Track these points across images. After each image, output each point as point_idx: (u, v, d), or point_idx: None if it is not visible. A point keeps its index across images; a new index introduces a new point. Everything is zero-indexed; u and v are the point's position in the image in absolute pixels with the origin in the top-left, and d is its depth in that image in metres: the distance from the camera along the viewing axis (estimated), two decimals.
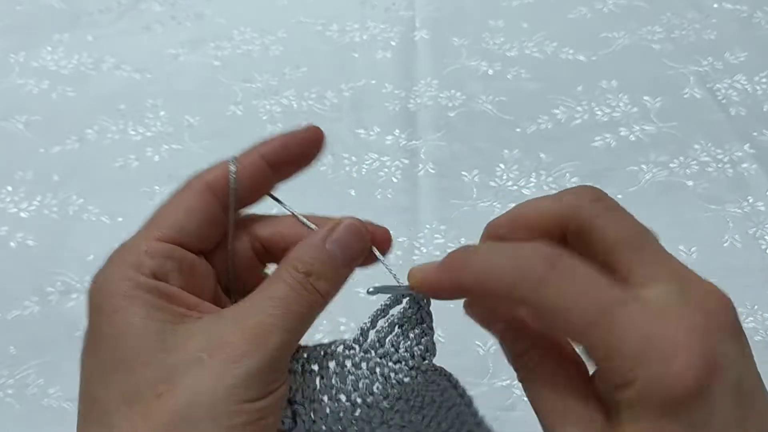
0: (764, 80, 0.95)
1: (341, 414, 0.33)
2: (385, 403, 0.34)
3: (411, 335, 0.34)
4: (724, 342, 0.27)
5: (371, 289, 0.34)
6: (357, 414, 0.34)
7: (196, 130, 0.93)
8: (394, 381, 0.33)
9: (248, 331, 0.30)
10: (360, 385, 0.34)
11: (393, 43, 1.04)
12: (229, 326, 0.31)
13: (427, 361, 0.34)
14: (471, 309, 0.34)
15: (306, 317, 0.32)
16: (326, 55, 1.03)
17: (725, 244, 0.77)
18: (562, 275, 0.27)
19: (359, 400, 0.33)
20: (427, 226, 0.79)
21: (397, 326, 0.34)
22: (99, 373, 0.31)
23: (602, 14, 1.06)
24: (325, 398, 0.34)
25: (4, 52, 1.04)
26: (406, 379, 0.34)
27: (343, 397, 0.34)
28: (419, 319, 0.34)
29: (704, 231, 0.79)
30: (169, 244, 0.33)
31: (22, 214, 0.84)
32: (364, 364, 0.34)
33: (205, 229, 0.35)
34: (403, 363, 0.34)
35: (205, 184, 0.35)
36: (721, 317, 0.28)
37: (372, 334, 0.35)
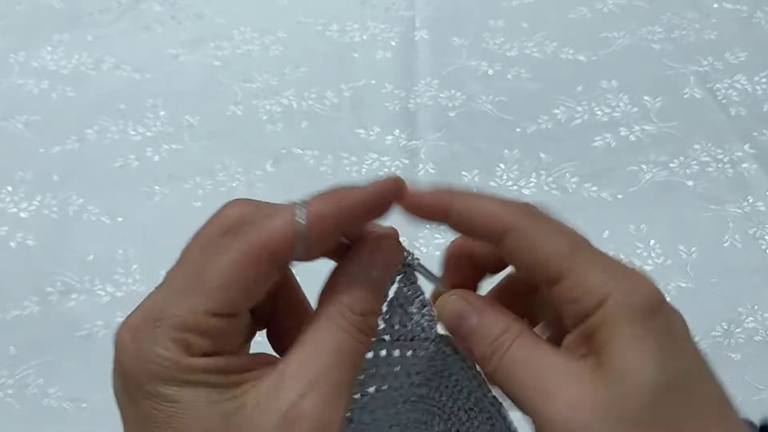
0: (764, 80, 0.95)
1: (369, 405, 0.33)
2: (407, 384, 0.33)
3: (413, 310, 0.33)
4: None
5: None
6: (379, 402, 0.33)
7: (196, 130, 0.93)
8: (413, 360, 0.33)
9: (322, 396, 0.27)
10: (383, 371, 0.33)
11: (393, 43, 1.04)
12: (297, 390, 0.27)
13: (434, 330, 0.33)
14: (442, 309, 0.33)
15: (360, 354, 0.30)
16: (326, 55, 1.03)
17: (725, 244, 0.77)
18: (542, 218, 0.31)
19: (384, 387, 0.33)
20: (427, 225, 0.79)
21: (398, 307, 0.34)
22: None
23: (602, 14, 1.06)
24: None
25: (4, 52, 1.04)
26: (424, 353, 0.33)
27: (371, 389, 0.33)
28: (415, 292, 0.33)
29: (704, 231, 0.79)
30: (221, 318, 0.28)
31: (22, 214, 0.84)
32: (383, 352, 0.33)
33: (256, 297, 0.29)
34: (417, 339, 0.33)
35: (263, 247, 0.28)
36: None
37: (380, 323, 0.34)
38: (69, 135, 0.93)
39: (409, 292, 0.33)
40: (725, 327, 0.70)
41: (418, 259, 0.34)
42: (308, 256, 0.29)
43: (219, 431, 0.27)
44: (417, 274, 0.34)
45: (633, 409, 0.27)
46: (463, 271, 0.35)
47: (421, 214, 0.33)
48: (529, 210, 0.31)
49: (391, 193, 0.31)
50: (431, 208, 0.32)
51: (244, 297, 0.28)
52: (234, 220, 0.29)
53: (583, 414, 0.27)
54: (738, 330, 0.70)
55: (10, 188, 0.87)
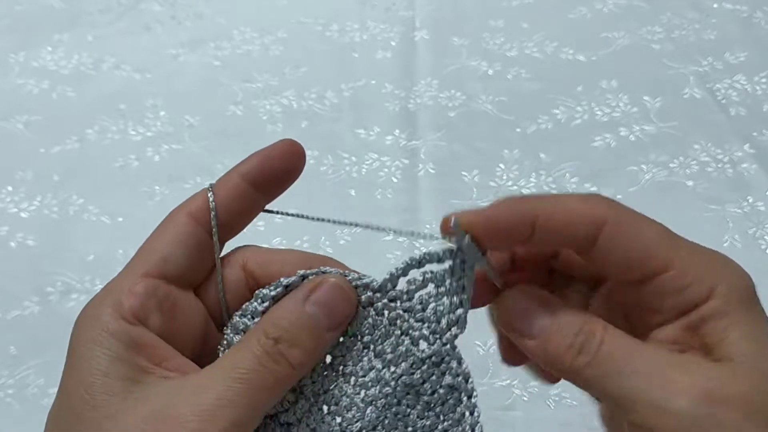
0: (764, 80, 0.95)
1: (350, 358, 0.32)
2: (392, 366, 0.32)
3: (445, 300, 0.31)
4: None
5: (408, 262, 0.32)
6: (361, 369, 0.32)
7: (196, 130, 0.93)
8: (407, 342, 0.32)
9: (202, 406, 0.28)
10: (375, 333, 0.32)
11: (393, 43, 1.04)
12: (185, 396, 0.28)
13: (450, 334, 0.31)
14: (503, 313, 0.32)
15: (272, 392, 0.30)
16: (326, 55, 1.03)
17: (725, 244, 0.77)
18: (629, 209, 0.30)
19: (372, 347, 0.32)
20: (427, 226, 0.79)
21: (432, 283, 0.32)
22: (54, 417, 0.31)
23: (602, 14, 1.06)
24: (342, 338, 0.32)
25: (4, 52, 1.04)
26: (422, 344, 0.31)
27: (358, 344, 0.32)
28: (460, 288, 0.31)
29: (704, 231, 0.79)
30: (154, 279, 0.31)
31: (23, 214, 0.84)
32: (386, 312, 0.32)
33: (192, 260, 0.33)
34: (427, 324, 0.32)
35: (187, 213, 0.33)
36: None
37: (402, 284, 0.32)
38: (69, 135, 0.93)
39: (453, 282, 0.31)
40: None
41: (484, 254, 0.31)
42: (236, 222, 0.34)
43: (99, 407, 0.29)
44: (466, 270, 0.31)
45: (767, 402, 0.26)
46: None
47: (501, 239, 0.31)
48: (614, 202, 0.30)
49: (286, 153, 0.34)
50: (512, 226, 0.30)
51: (175, 254, 0.32)
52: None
53: (722, 408, 0.26)
54: None
55: (10, 188, 0.87)
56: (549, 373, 0.33)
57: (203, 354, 0.33)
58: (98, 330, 0.30)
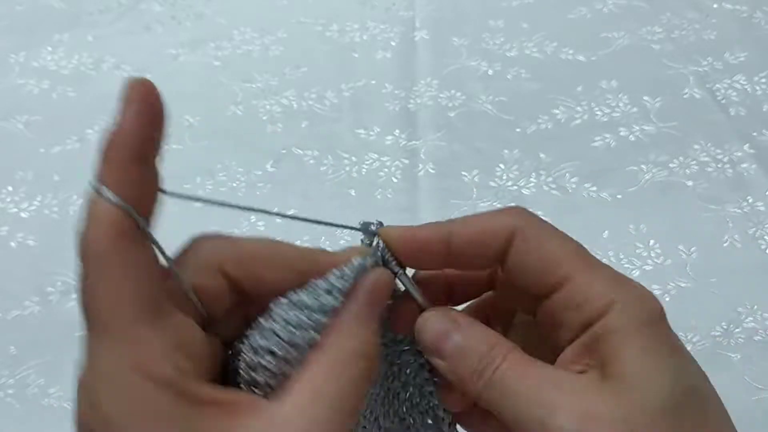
0: (764, 80, 0.95)
1: None
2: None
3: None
4: None
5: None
6: None
7: (196, 130, 0.93)
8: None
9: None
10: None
11: (393, 43, 1.04)
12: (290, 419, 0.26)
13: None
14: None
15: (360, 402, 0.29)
16: (326, 55, 1.03)
17: (725, 244, 0.77)
18: (543, 221, 0.30)
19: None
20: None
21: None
22: None
23: (602, 14, 1.06)
24: None
25: (4, 52, 1.04)
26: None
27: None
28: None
29: (704, 231, 0.79)
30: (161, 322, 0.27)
31: (23, 214, 0.84)
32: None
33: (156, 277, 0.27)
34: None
35: (110, 238, 0.26)
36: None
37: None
38: (69, 135, 0.93)
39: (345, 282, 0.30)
40: (725, 327, 0.70)
41: (403, 269, 0.32)
42: (141, 203, 0.28)
43: None
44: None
45: (649, 422, 0.26)
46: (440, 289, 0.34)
47: (421, 258, 0.31)
48: (528, 212, 0.31)
49: (144, 95, 0.29)
50: (428, 241, 0.31)
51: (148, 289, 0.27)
52: None
53: (596, 427, 0.26)
54: (737, 330, 0.70)
55: (10, 188, 0.87)
56: (454, 399, 0.33)
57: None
58: (144, 401, 0.25)
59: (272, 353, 0.27)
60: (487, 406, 0.29)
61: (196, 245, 0.30)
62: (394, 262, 0.31)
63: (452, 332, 0.30)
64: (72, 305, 0.75)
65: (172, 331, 0.26)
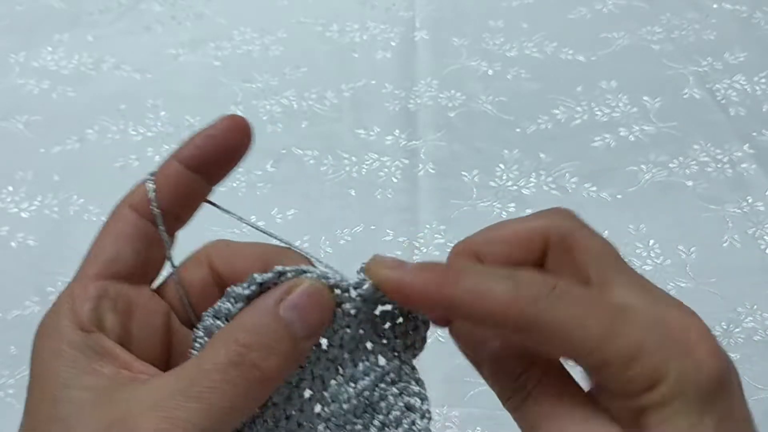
0: (764, 80, 0.95)
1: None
2: (352, 382, 0.31)
3: (401, 319, 0.31)
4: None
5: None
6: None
7: (196, 130, 0.93)
8: (370, 358, 0.31)
9: (160, 419, 0.26)
10: (340, 346, 0.30)
11: (393, 43, 1.04)
12: (145, 404, 0.27)
13: (409, 352, 0.31)
14: (459, 331, 0.31)
15: (243, 403, 0.27)
16: (326, 55, 1.03)
17: (725, 244, 0.77)
18: (565, 294, 0.26)
19: (335, 359, 0.31)
20: (427, 226, 0.79)
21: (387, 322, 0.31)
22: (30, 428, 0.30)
23: (602, 14, 1.07)
24: None
25: (4, 52, 1.04)
26: (381, 360, 0.31)
27: (322, 356, 0.30)
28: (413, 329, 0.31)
29: (704, 231, 0.79)
30: (105, 280, 0.30)
31: (23, 214, 0.84)
32: (351, 324, 0.30)
33: (141, 254, 0.31)
34: (386, 340, 0.31)
35: (129, 206, 0.31)
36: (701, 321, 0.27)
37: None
38: (69, 135, 0.93)
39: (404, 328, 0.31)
40: (724, 327, 0.70)
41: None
42: (181, 211, 0.31)
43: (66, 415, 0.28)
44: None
45: None
46: None
47: (413, 305, 0.30)
48: (543, 279, 0.27)
49: (229, 130, 0.32)
50: (425, 300, 0.28)
51: (122, 250, 0.30)
52: None
53: None
54: (737, 330, 0.70)
55: (10, 188, 0.87)
56: (442, 317, 0.32)
57: (172, 354, 0.32)
58: (57, 342, 0.29)
59: (200, 336, 0.30)
60: (516, 421, 0.29)
61: (202, 247, 0.33)
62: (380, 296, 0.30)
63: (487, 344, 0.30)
64: None
65: (114, 292, 0.30)
